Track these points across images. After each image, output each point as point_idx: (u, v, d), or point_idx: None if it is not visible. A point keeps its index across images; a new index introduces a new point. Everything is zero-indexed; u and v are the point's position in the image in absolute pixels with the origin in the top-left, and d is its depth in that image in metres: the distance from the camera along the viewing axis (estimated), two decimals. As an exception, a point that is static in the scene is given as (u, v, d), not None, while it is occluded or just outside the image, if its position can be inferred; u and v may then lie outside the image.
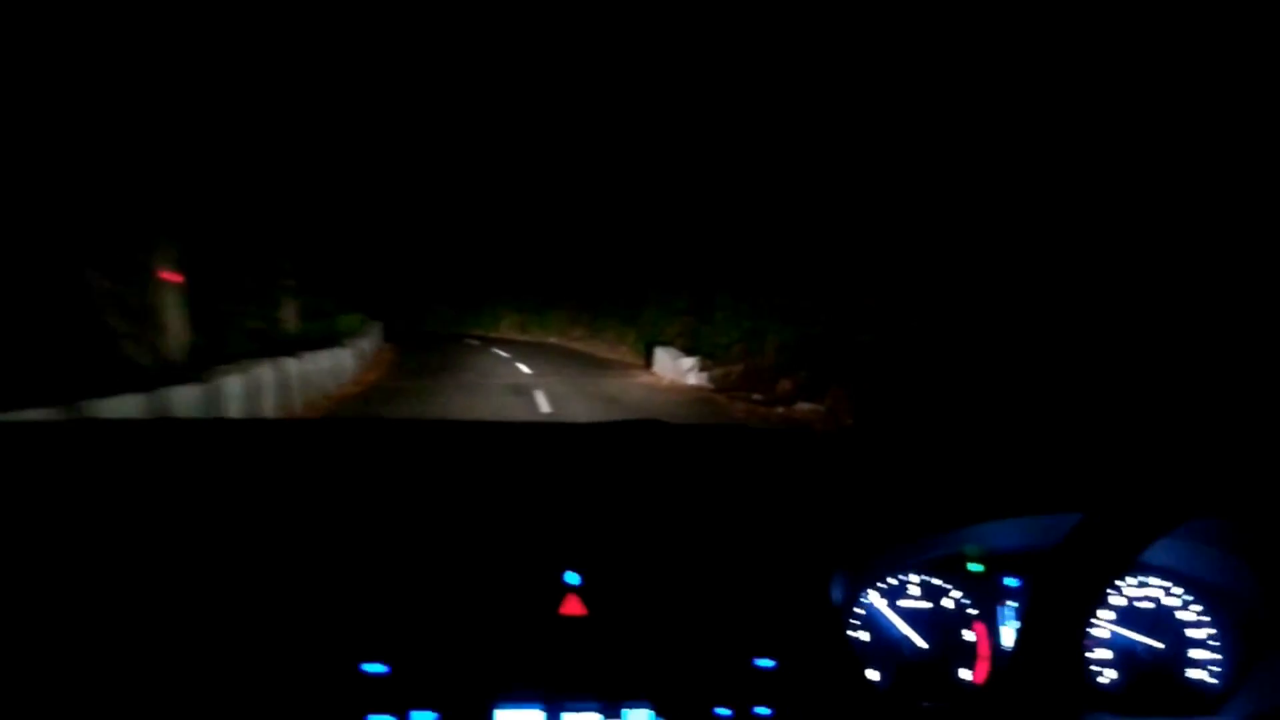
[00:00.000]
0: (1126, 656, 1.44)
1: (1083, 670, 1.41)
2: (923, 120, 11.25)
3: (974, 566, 1.46)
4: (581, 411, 11.58)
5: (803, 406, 11.76)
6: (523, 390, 13.80)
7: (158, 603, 1.20)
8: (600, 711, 1.21)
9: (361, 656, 1.20)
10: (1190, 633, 1.45)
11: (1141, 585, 1.47)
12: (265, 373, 10.06)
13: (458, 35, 26.61)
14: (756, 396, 13.08)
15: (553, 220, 31.44)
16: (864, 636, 1.42)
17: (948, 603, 1.45)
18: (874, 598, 1.43)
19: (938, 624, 1.44)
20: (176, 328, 9.93)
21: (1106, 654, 1.45)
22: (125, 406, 6.50)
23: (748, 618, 1.28)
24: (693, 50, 17.90)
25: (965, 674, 1.42)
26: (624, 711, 1.21)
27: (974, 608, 1.45)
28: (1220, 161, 7.15)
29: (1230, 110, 7.09)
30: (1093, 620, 1.42)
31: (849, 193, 12.89)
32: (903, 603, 1.44)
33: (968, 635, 1.44)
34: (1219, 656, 1.43)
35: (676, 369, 16.16)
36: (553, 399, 12.73)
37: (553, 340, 30.61)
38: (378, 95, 24.44)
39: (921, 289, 10.94)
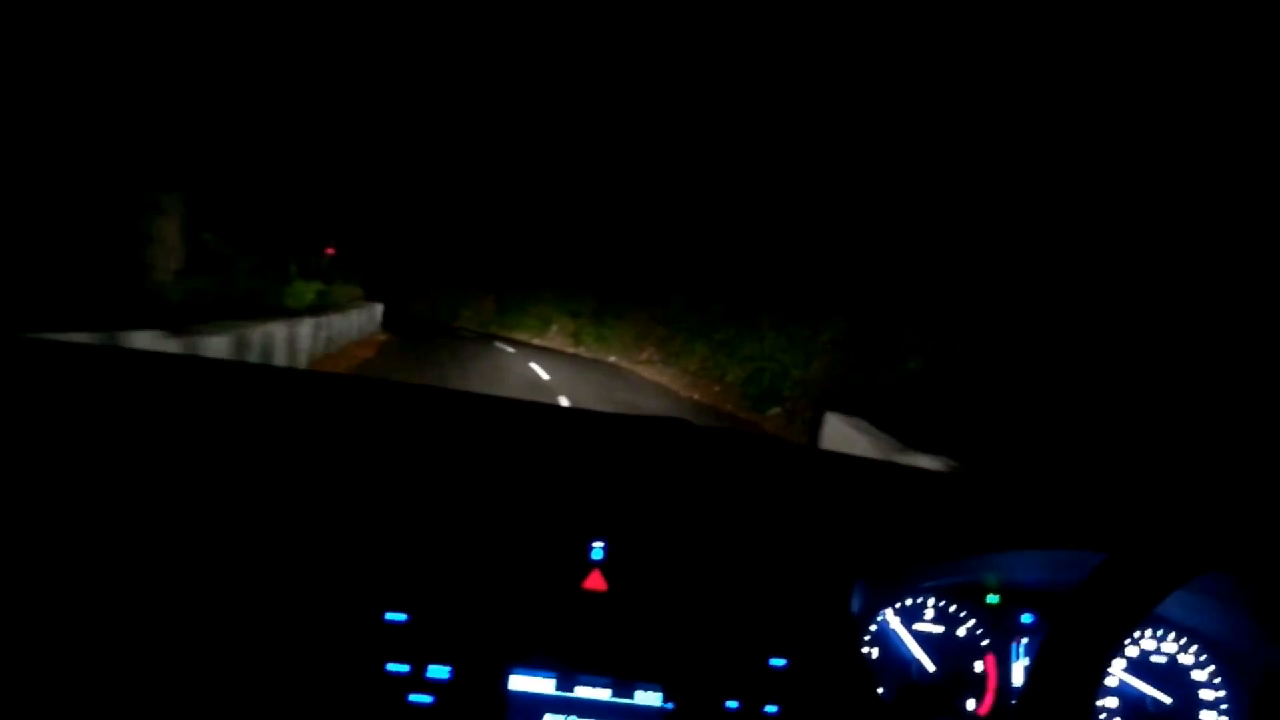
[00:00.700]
0: (1135, 709, 1.44)
1: (1090, 717, 1.41)
2: (943, 132, 11.14)
3: (992, 598, 1.46)
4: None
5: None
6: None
7: (184, 535, 1.22)
8: (611, 688, 1.23)
9: (385, 606, 1.22)
10: (1202, 693, 1.44)
11: (1157, 639, 1.47)
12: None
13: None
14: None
15: (624, 209, 25.42)
16: (875, 652, 1.43)
17: (962, 631, 1.46)
18: (890, 615, 1.44)
19: (949, 651, 1.44)
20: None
21: (1114, 703, 1.45)
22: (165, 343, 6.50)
23: (765, 616, 1.29)
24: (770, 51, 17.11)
25: (971, 704, 1.43)
26: (635, 691, 1.23)
27: (987, 639, 1.45)
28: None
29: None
30: (1107, 669, 1.42)
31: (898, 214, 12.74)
32: (918, 625, 1.45)
33: (978, 666, 1.44)
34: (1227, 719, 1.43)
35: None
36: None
37: (612, 359, 22.62)
38: (420, 63, 23.64)
39: (962, 315, 10.84)
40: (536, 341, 27.20)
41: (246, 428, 1.33)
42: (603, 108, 25.69)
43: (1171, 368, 7.41)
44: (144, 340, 6.57)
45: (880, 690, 1.39)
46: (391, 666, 1.19)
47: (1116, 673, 1.45)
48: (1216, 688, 1.44)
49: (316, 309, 14.17)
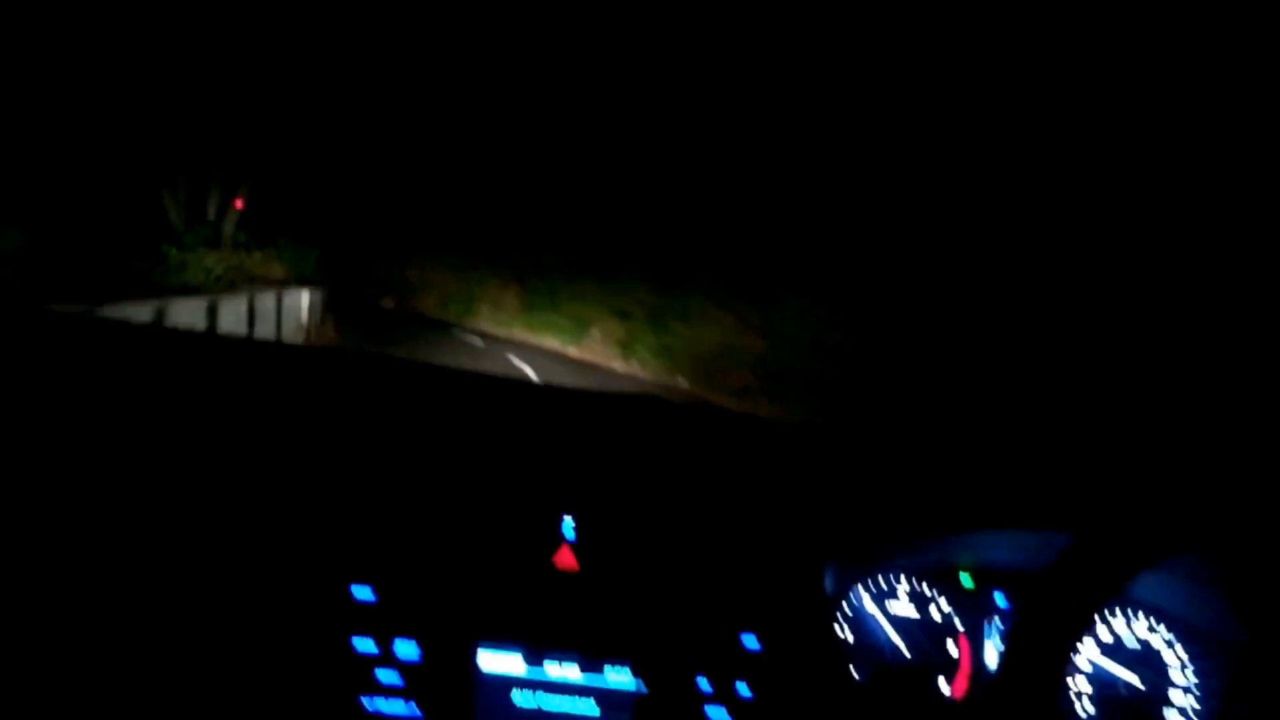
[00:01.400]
0: (1107, 690, 1.44)
1: (1059, 698, 1.42)
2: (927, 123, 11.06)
3: (965, 579, 1.46)
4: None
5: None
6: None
7: (149, 507, 1.20)
8: (580, 664, 1.22)
9: (351, 580, 1.20)
10: (1173, 674, 1.45)
11: (1129, 620, 1.47)
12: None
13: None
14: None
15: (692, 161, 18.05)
16: (849, 633, 1.42)
17: (935, 613, 1.45)
18: (863, 597, 1.43)
19: (923, 632, 1.44)
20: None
21: (1086, 686, 1.45)
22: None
23: (737, 595, 1.28)
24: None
25: (944, 687, 1.42)
26: (605, 667, 1.22)
27: (961, 622, 1.45)
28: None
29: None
30: (1076, 648, 1.42)
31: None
32: (891, 606, 1.44)
33: (951, 648, 1.44)
34: (1199, 704, 1.43)
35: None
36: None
37: (685, 386, 15.28)
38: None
39: (937, 292, 10.89)
40: (572, 352, 19.15)
41: (214, 401, 1.30)
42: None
43: (1143, 346, 7.50)
44: None
45: (854, 672, 1.39)
46: (358, 642, 1.17)
47: (1088, 655, 1.45)
48: (1188, 670, 1.45)
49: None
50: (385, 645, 1.18)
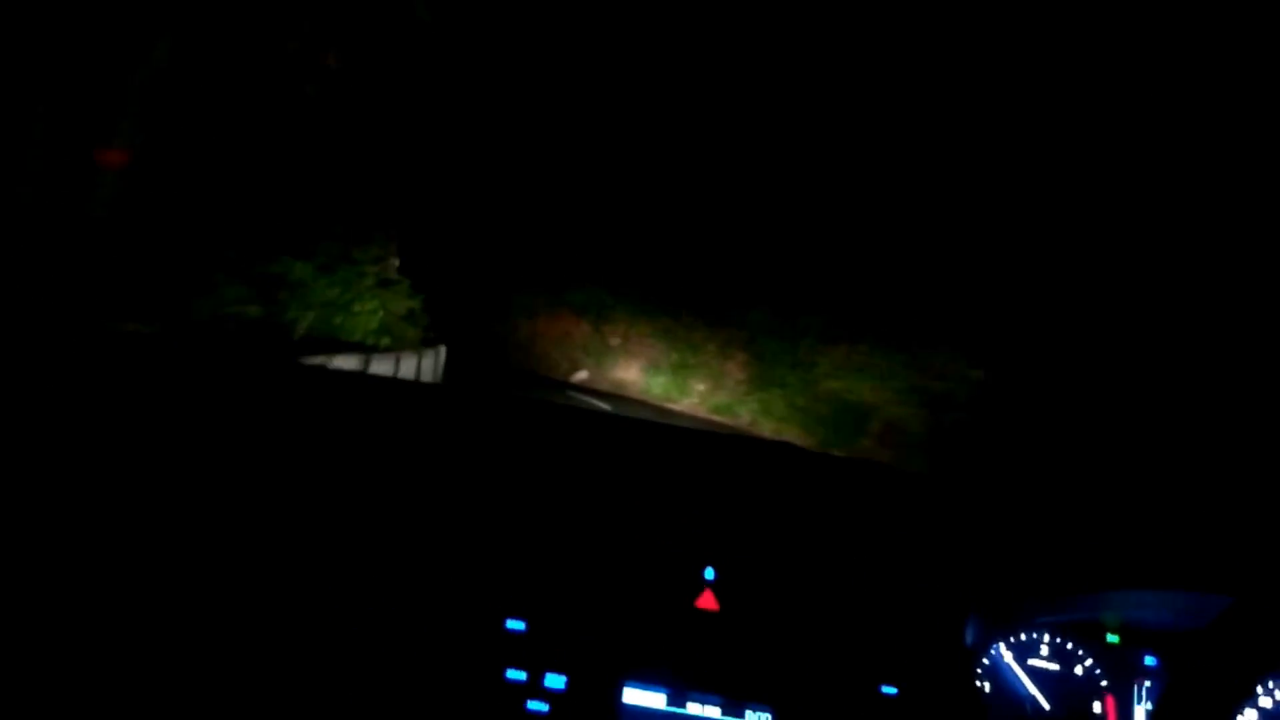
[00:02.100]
0: None
1: None
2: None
3: (1111, 638, 1.42)
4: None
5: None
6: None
7: (321, 543, 1.30)
8: (721, 707, 1.25)
9: (506, 614, 1.27)
10: None
11: None
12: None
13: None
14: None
15: None
16: (988, 686, 1.40)
17: (1079, 670, 1.42)
18: (1004, 650, 1.42)
19: (1066, 689, 1.40)
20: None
21: None
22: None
23: (877, 643, 1.29)
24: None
25: None
26: (746, 710, 1.25)
27: (1106, 680, 1.41)
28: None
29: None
30: (1235, 716, 1.36)
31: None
32: (1033, 661, 1.42)
33: (1096, 707, 1.40)
34: None
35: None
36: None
37: None
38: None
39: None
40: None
41: (380, 440, 1.40)
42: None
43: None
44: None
45: None
46: (510, 673, 1.24)
47: None
48: None
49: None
50: (535, 676, 1.24)
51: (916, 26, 13.24)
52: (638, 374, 17.09)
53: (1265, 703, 1.39)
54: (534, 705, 1.23)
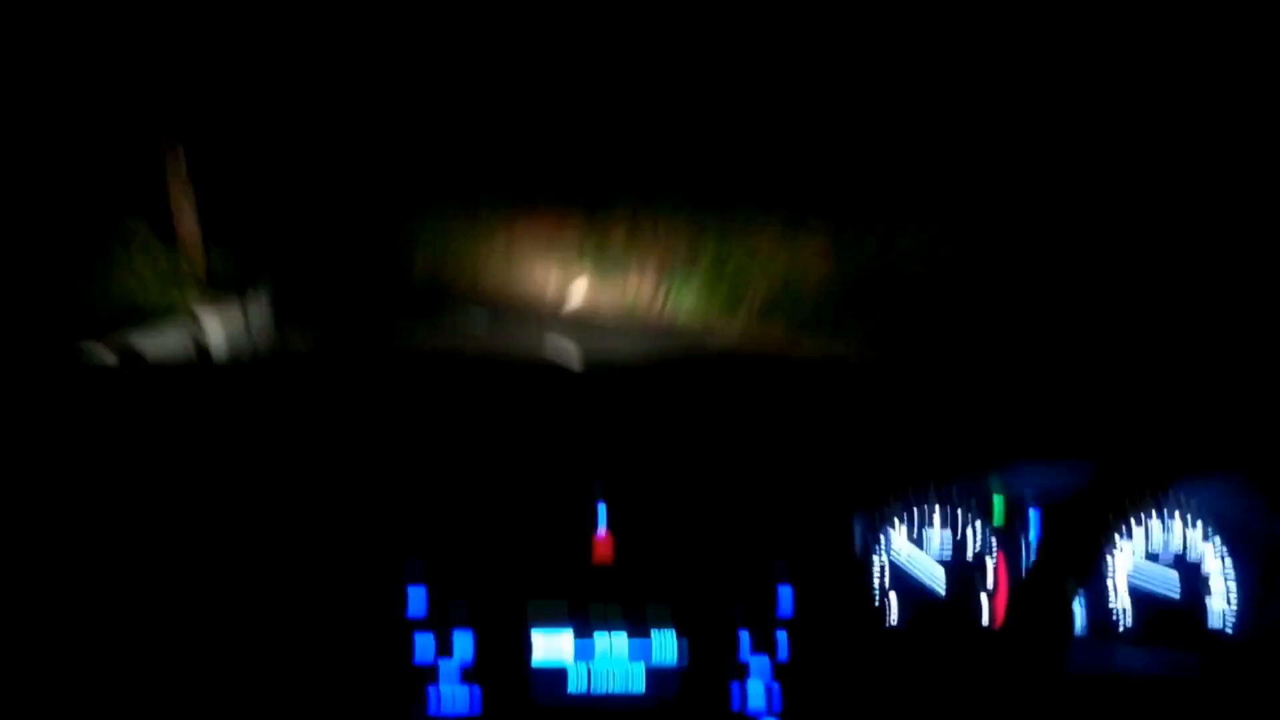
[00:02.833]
0: (1145, 599, 1.45)
1: (1099, 609, 1.43)
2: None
3: (999, 505, 1.47)
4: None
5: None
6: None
7: (211, 518, 1.27)
8: (627, 631, 1.29)
9: (407, 579, 1.28)
10: (1213, 581, 1.45)
11: (1165, 529, 1.48)
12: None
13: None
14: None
15: None
16: (884, 576, 1.44)
17: (969, 533, 1.46)
18: (896, 534, 1.45)
19: (959, 557, 1.45)
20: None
21: (1126, 599, 1.46)
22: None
23: (769, 545, 1.33)
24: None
25: (984, 618, 1.44)
26: (651, 632, 1.29)
27: (995, 539, 1.46)
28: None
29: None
30: (1108, 558, 1.43)
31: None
32: (927, 536, 1.46)
33: (989, 566, 1.45)
34: (1234, 607, 1.44)
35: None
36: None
37: None
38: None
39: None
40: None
41: (267, 413, 1.36)
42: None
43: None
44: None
45: (891, 616, 1.42)
46: (418, 636, 1.26)
47: (1127, 565, 1.46)
48: (1226, 571, 1.45)
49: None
50: (444, 635, 1.25)
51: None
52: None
53: (1142, 540, 1.47)
54: (445, 663, 1.25)
